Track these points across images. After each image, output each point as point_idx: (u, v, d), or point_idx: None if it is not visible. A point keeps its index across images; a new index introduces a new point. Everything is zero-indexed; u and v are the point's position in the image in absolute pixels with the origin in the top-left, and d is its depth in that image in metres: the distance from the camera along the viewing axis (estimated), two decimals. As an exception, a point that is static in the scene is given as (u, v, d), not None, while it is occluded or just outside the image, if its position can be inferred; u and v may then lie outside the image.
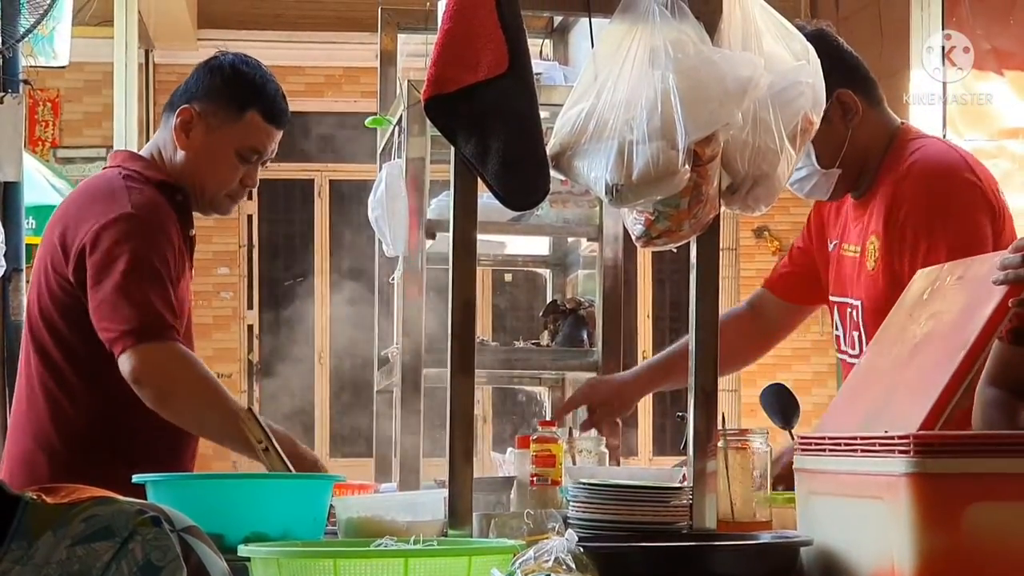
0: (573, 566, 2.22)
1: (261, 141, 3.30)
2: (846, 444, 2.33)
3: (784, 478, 2.93)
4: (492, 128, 2.66)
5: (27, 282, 5.59)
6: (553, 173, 2.74)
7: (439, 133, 2.77)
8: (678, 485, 2.80)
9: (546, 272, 4.36)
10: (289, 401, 11.71)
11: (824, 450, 2.40)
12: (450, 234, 2.74)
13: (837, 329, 3.35)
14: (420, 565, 2.07)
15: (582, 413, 3.64)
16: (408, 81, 3.56)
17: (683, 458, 2.90)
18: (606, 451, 3.54)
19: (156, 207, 3.17)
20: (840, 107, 3.22)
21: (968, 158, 3.29)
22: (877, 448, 2.22)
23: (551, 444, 3.06)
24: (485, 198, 2.79)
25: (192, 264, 3.35)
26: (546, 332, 3.99)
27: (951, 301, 2.47)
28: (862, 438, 2.29)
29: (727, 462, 2.91)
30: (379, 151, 4.05)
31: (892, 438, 2.19)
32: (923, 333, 2.47)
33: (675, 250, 2.86)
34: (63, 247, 3.15)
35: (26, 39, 6.82)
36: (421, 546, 2.21)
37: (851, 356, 3.28)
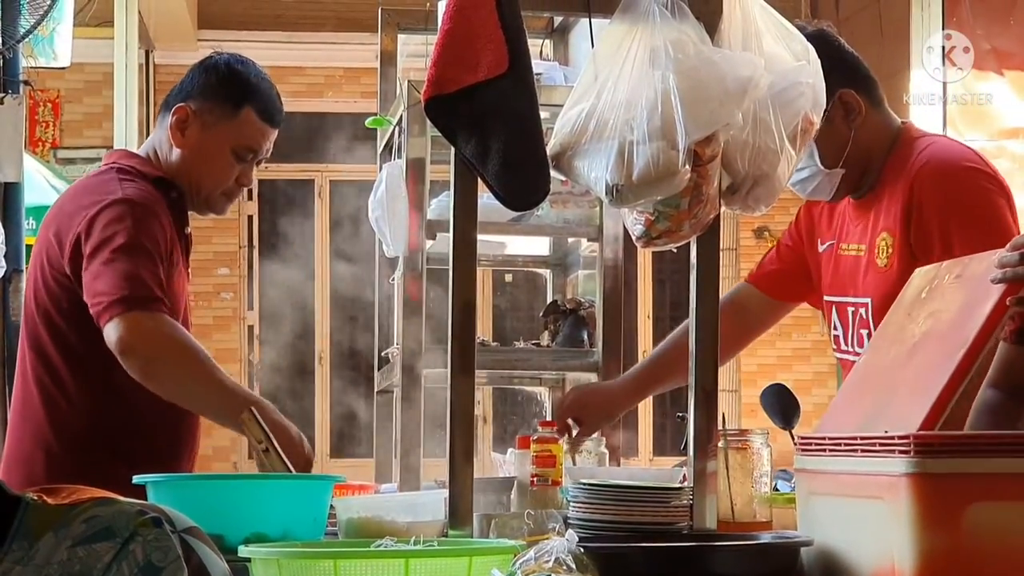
0: (573, 566, 2.22)
1: (256, 139, 3.31)
2: (846, 444, 2.33)
3: None
4: (492, 128, 2.66)
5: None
6: (553, 173, 2.74)
7: (439, 133, 2.77)
8: (678, 485, 2.80)
9: (546, 272, 4.36)
10: (289, 402, 11.71)
11: (824, 450, 2.40)
12: (450, 234, 2.74)
13: (836, 329, 3.35)
14: (420, 565, 2.07)
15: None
16: (408, 81, 3.56)
17: (683, 458, 2.90)
18: (606, 451, 3.54)
19: (148, 196, 3.18)
20: (842, 107, 3.21)
21: (978, 153, 3.30)
22: (877, 448, 2.22)
23: (551, 444, 3.06)
24: (485, 198, 2.79)
25: (188, 263, 3.36)
26: (546, 332, 3.99)
27: (949, 300, 2.47)
28: (862, 438, 2.29)
29: (727, 462, 2.91)
30: (379, 151, 4.05)
31: (892, 438, 2.19)
32: (922, 332, 2.47)
33: (675, 250, 2.86)
34: (58, 242, 3.16)
35: (26, 40, 6.82)
36: (421, 547, 2.21)
37: (854, 355, 3.27)
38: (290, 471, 2.91)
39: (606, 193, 2.68)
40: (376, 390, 4.04)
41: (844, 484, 2.34)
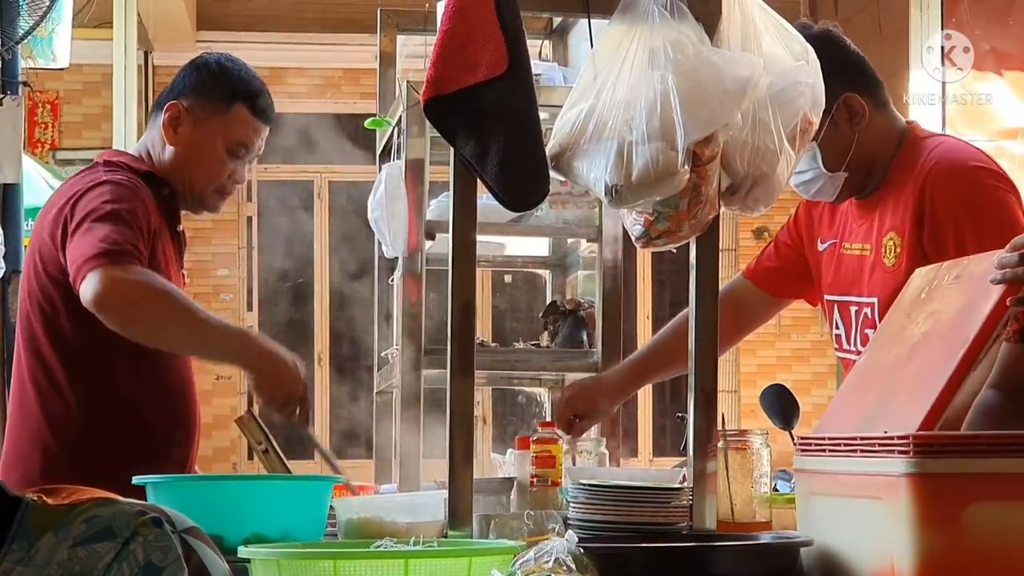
0: (573, 567, 2.22)
1: (248, 135, 3.34)
2: (846, 444, 2.33)
3: None
4: (491, 129, 2.66)
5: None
6: (553, 174, 2.74)
7: (438, 134, 2.77)
8: (678, 486, 2.80)
9: (546, 273, 4.36)
10: (289, 402, 11.70)
11: (824, 450, 2.40)
12: (450, 235, 2.74)
13: (838, 328, 3.34)
14: (420, 566, 2.07)
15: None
16: (407, 82, 3.57)
17: (683, 459, 2.90)
18: (606, 452, 3.54)
19: (132, 181, 3.19)
20: (847, 111, 3.21)
21: (986, 152, 3.30)
22: (877, 448, 2.22)
23: (551, 445, 3.07)
24: (485, 199, 2.79)
25: (182, 263, 3.37)
26: (546, 333, 3.99)
27: (949, 300, 2.47)
28: (862, 438, 2.29)
29: (727, 463, 2.91)
30: (378, 152, 4.06)
31: (891, 438, 2.19)
32: (921, 333, 2.47)
33: (675, 251, 2.86)
34: (50, 236, 3.16)
35: (25, 41, 6.82)
36: (421, 547, 2.21)
37: (856, 355, 3.27)
38: (290, 471, 2.91)
39: (605, 193, 2.68)
40: (375, 391, 4.04)
41: (844, 484, 2.34)
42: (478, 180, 2.70)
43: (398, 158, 3.71)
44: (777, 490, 3.28)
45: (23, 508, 1.87)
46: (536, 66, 3.26)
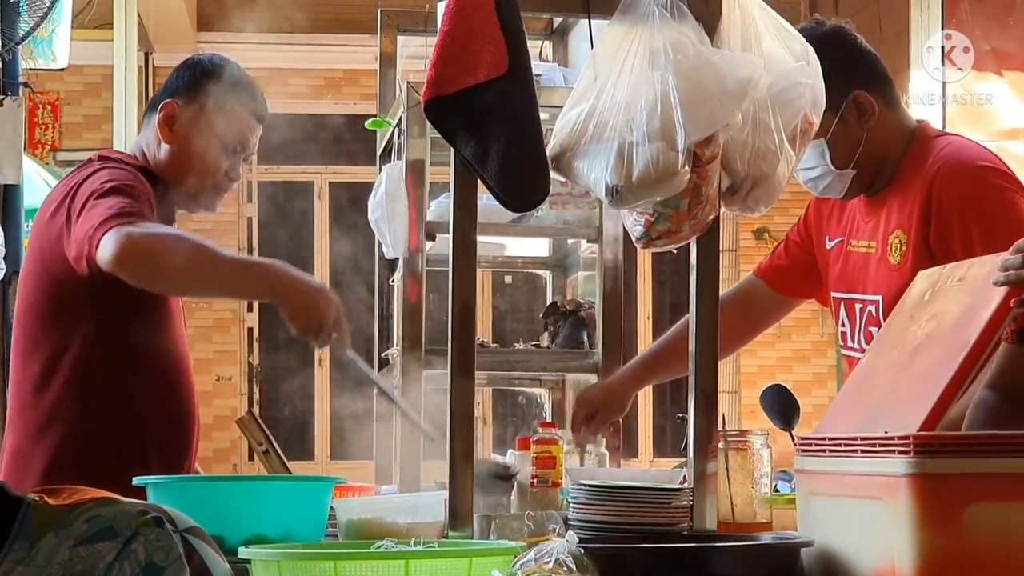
0: (574, 567, 2.22)
1: (243, 132, 3.36)
2: (846, 445, 2.33)
3: None
4: (492, 129, 2.66)
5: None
6: (553, 174, 2.74)
7: (439, 135, 2.77)
8: (678, 486, 2.80)
9: (546, 274, 4.37)
10: (289, 403, 11.72)
11: (824, 451, 2.40)
12: (450, 236, 2.74)
13: (844, 326, 3.34)
14: (421, 567, 2.08)
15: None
16: (408, 83, 3.57)
17: (683, 459, 2.90)
18: (606, 452, 3.55)
19: (131, 170, 3.19)
20: (856, 108, 3.21)
21: (994, 152, 3.30)
22: (877, 449, 2.22)
23: (551, 446, 3.07)
24: (485, 199, 2.79)
25: None
26: (546, 334, 3.99)
27: (952, 302, 2.47)
28: (862, 439, 2.29)
29: (727, 463, 2.91)
30: (379, 153, 4.06)
31: (892, 439, 2.19)
32: (924, 334, 2.47)
33: (675, 251, 2.86)
34: (56, 230, 3.15)
35: (25, 42, 6.83)
36: (422, 548, 2.22)
37: (860, 352, 3.27)
38: (290, 472, 2.91)
39: (606, 194, 2.68)
40: (376, 392, 4.04)
41: (844, 485, 2.34)
42: (478, 181, 2.70)
43: (398, 159, 3.71)
44: (778, 491, 3.28)
45: (24, 508, 1.87)
46: (536, 67, 3.26)
